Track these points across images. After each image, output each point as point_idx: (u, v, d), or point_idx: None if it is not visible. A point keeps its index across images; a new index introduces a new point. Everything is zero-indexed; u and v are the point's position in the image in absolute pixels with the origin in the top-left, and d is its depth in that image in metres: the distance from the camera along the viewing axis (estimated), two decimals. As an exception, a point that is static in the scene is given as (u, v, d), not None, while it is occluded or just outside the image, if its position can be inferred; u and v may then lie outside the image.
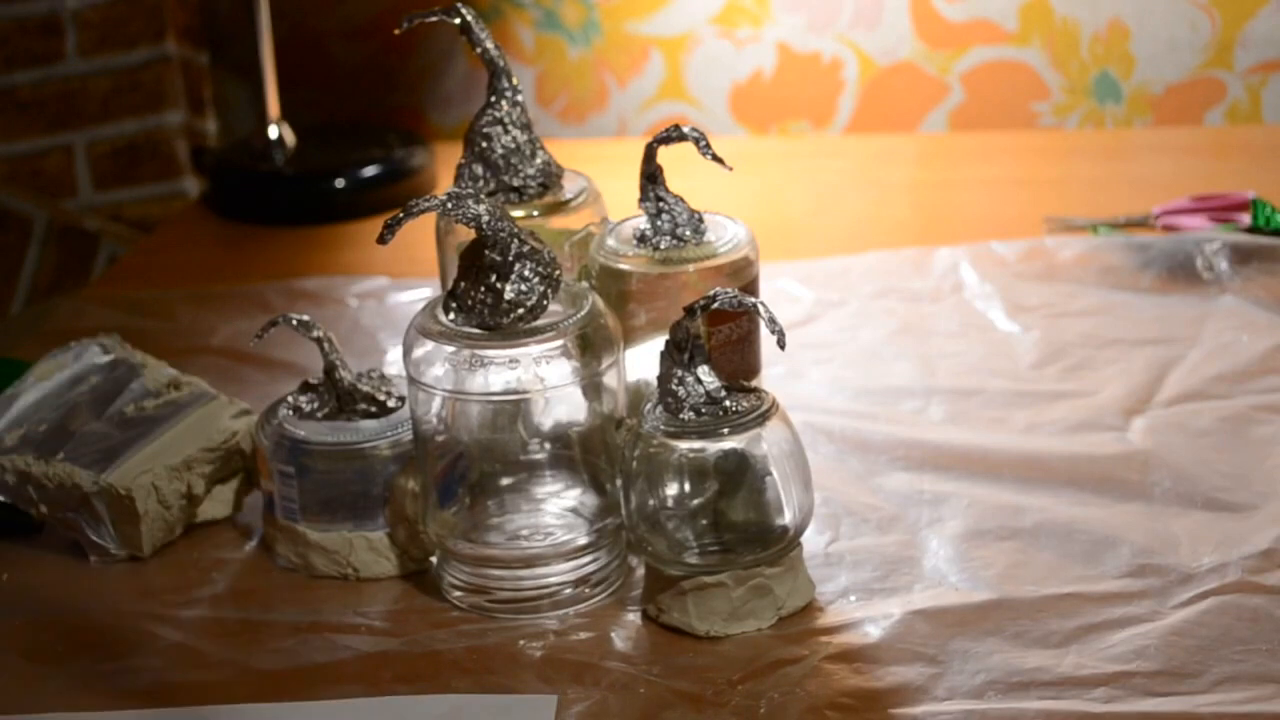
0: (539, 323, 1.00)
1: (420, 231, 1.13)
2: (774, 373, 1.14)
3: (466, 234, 1.01)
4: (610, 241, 1.10)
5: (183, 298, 1.46)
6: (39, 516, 1.12)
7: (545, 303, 1.01)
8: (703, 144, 1.06)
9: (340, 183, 1.63)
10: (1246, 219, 1.43)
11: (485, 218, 0.99)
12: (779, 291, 1.37)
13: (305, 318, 1.09)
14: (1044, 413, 1.20)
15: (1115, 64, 1.69)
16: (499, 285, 1.00)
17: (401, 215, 0.99)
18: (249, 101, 1.74)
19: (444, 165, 1.66)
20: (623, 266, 1.09)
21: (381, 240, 1.00)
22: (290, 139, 1.67)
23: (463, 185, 1.13)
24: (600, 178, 1.18)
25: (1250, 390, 1.21)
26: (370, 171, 1.63)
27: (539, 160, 1.14)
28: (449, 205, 0.99)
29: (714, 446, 0.99)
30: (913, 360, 1.29)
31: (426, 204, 0.99)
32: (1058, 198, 1.53)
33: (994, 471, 1.14)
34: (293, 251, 1.55)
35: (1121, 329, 1.31)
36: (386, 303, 1.42)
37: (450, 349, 1.00)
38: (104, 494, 1.10)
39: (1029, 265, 1.40)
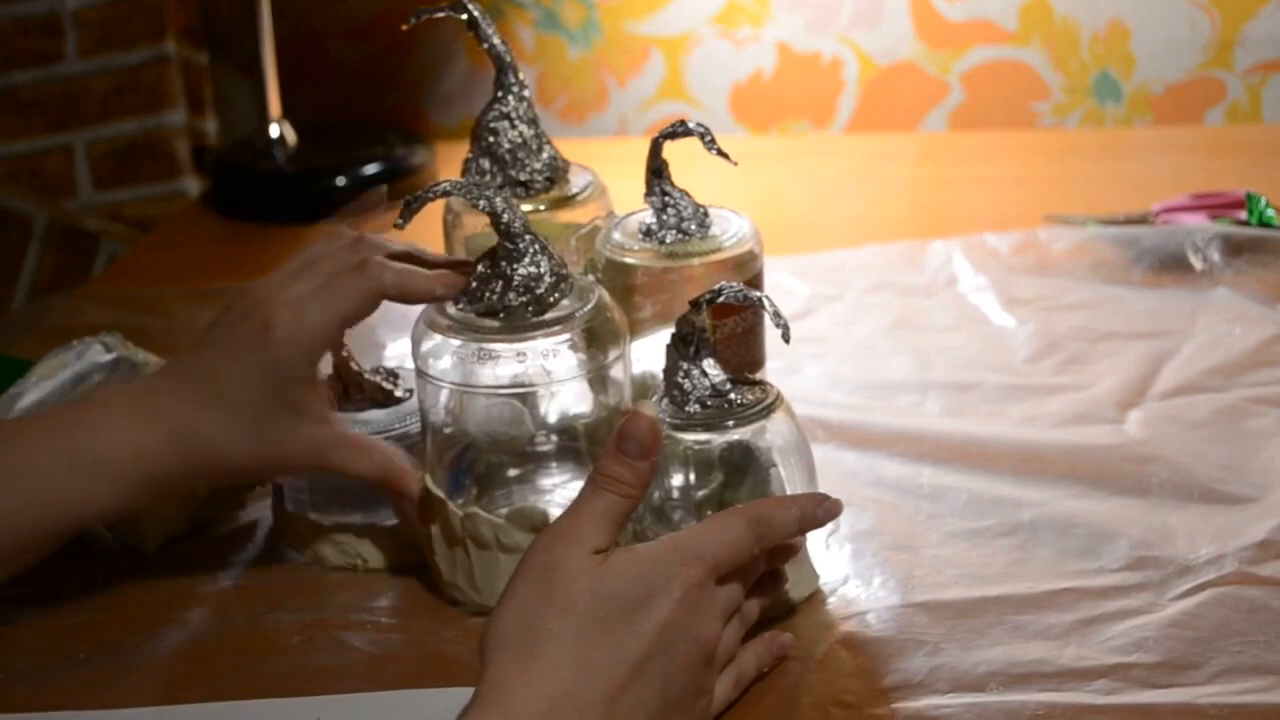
0: (546, 316, 1.01)
1: (422, 231, 1.13)
2: (771, 366, 1.14)
3: (474, 227, 1.02)
4: (616, 235, 1.11)
5: (182, 295, 1.46)
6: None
7: (552, 297, 1.01)
8: (708, 139, 1.06)
9: (341, 181, 1.63)
10: (1244, 216, 1.43)
11: (501, 207, 1.00)
12: (774, 285, 1.36)
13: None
14: (1040, 406, 1.21)
15: (1115, 64, 1.69)
16: (509, 272, 1.00)
17: (422, 194, 0.99)
18: (250, 101, 1.74)
19: (444, 164, 1.66)
20: (629, 260, 1.09)
21: (398, 226, 1.00)
22: (291, 138, 1.67)
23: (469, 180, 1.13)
24: (600, 177, 1.19)
25: (1244, 383, 1.22)
26: (371, 170, 1.63)
27: (545, 155, 1.14)
28: (466, 188, 1.00)
29: (719, 439, 0.99)
30: (909, 354, 1.29)
31: (446, 185, 1.00)
32: (1058, 197, 1.53)
33: (992, 464, 1.14)
34: (294, 250, 1.54)
35: (1115, 322, 1.31)
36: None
37: (457, 342, 1.01)
38: (108, 491, 1.10)
39: (1022, 259, 1.41)
